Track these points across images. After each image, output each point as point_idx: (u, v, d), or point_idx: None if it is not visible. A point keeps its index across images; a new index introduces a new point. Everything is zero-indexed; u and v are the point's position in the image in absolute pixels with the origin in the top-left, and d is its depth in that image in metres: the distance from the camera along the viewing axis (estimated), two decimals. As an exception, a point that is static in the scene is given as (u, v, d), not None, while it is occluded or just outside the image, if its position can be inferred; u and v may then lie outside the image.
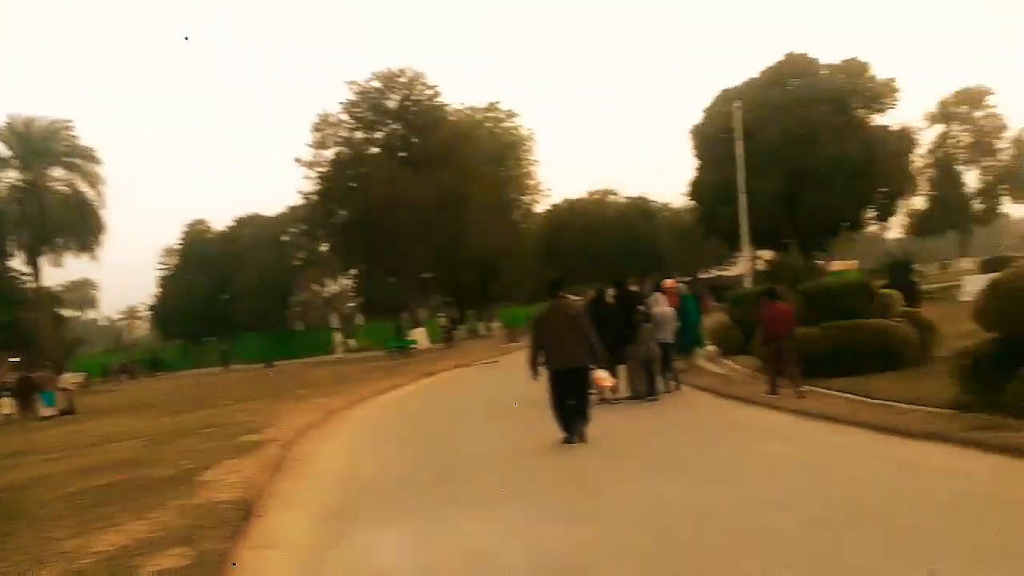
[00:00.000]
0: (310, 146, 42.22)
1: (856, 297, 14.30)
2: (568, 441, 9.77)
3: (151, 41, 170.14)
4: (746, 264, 29.15)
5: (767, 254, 43.54)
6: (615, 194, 61.09)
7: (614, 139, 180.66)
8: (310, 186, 42.59)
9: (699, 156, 43.24)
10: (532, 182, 54.92)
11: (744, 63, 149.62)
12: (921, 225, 59.38)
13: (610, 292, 14.27)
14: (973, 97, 58.69)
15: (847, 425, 9.47)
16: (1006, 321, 9.07)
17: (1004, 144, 56.90)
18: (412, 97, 41.63)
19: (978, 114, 58.46)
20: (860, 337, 13.22)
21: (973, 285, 32.75)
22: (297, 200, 47.03)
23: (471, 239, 39.99)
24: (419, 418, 15.33)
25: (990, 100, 57.34)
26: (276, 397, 20.74)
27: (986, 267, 39.48)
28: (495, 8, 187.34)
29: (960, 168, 58.11)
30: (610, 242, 53.65)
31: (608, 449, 9.64)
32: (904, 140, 40.25)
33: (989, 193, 57.76)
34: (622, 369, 13.37)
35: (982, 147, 57.23)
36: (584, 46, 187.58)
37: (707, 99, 43.87)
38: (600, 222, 55.49)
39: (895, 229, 66.43)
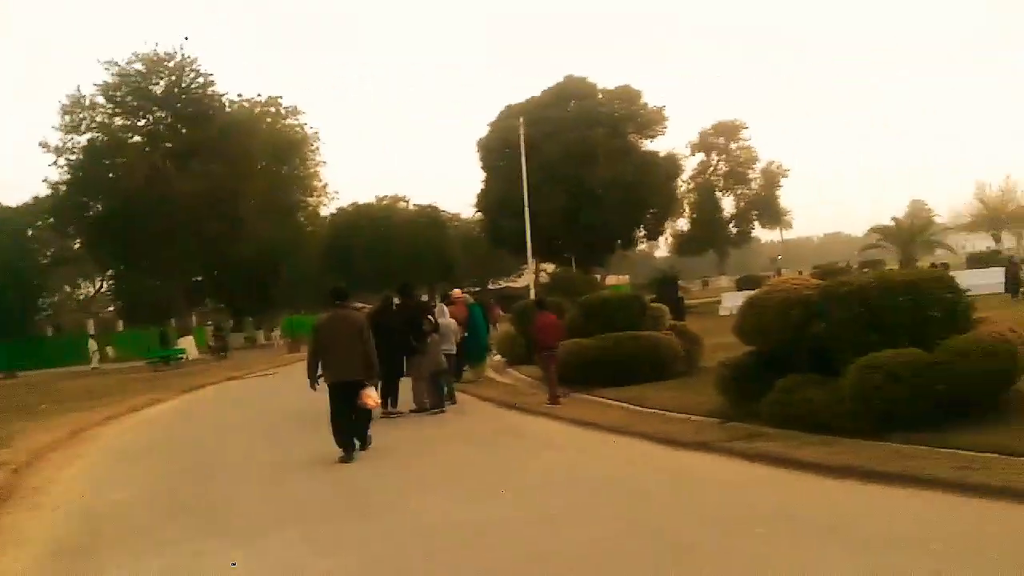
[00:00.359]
0: (59, 129, 37.55)
1: (629, 310, 14.93)
2: (346, 458, 9.18)
3: None
4: (530, 276, 29.96)
5: (550, 267, 45.33)
6: (405, 201, 60.71)
7: (409, 148, 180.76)
8: (59, 175, 37.85)
9: (485, 169, 44.05)
10: (318, 183, 53.01)
11: (528, 81, 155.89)
12: (684, 245, 64.81)
13: (396, 301, 13.76)
14: (729, 130, 65.14)
15: (623, 435, 9.68)
16: (761, 335, 9.72)
17: (755, 174, 63.74)
18: (182, 84, 38.34)
19: (733, 146, 64.98)
20: (633, 348, 13.77)
21: (731, 301, 36.16)
22: (44, 190, 41.65)
23: (247, 239, 37.50)
24: (180, 437, 13.81)
25: (744, 134, 63.98)
26: (15, 413, 17.91)
27: (740, 285, 43.95)
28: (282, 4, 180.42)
29: (718, 194, 64.25)
30: (399, 250, 53.00)
31: (389, 465, 9.14)
32: (672, 166, 43.79)
33: (743, 218, 64.40)
34: (406, 381, 12.89)
35: (737, 176, 63.70)
36: (381, 55, 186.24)
37: (492, 114, 44.97)
38: (389, 229, 54.69)
39: (662, 247, 72.19)
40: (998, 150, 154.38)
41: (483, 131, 44.67)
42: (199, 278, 40.23)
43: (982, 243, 60.33)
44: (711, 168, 65.59)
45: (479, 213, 47.09)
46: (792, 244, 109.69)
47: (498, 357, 19.52)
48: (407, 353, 12.47)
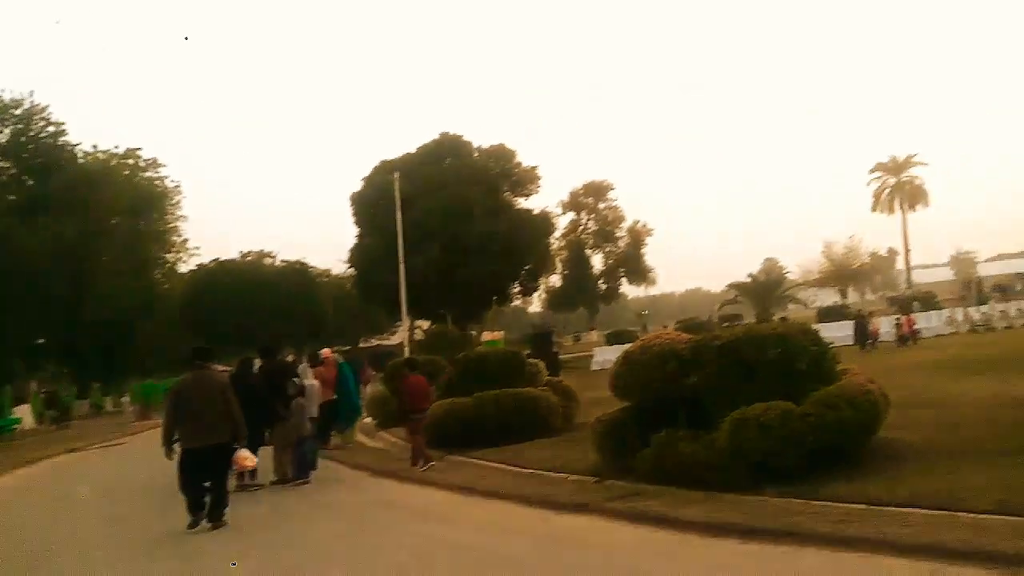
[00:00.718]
0: None
1: (507, 367, 14.64)
2: (194, 523, 8.56)
3: None
4: (404, 333, 29.29)
5: (424, 323, 44.75)
6: (271, 257, 58.50)
7: (277, 204, 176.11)
8: None
9: (359, 223, 43.26)
10: (177, 239, 50.31)
11: (401, 138, 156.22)
12: (557, 301, 65.94)
13: (257, 362, 12.86)
14: (598, 190, 67.41)
15: (501, 500, 9.28)
16: (636, 390, 9.63)
17: (622, 233, 66.03)
18: (29, 133, 35.60)
19: (602, 206, 67.22)
20: (511, 406, 13.44)
21: (603, 355, 36.80)
22: None
23: (97, 299, 34.75)
24: (7, 519, 12.17)
25: (611, 194, 66.36)
26: None
27: (610, 339, 44.91)
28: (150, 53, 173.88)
29: (588, 252, 66.01)
30: (265, 308, 50.57)
31: (246, 544, 8.24)
32: (545, 223, 44.65)
33: (611, 275, 66.31)
34: (266, 450, 11.91)
35: (605, 235, 65.78)
36: (252, 110, 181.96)
37: (366, 169, 44.41)
38: (254, 286, 52.12)
39: (535, 303, 73.09)
40: (843, 210, 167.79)
41: (357, 185, 44.07)
42: (41, 340, 36.72)
43: (830, 298, 64.85)
44: (581, 227, 67.42)
45: (351, 268, 45.98)
46: (656, 299, 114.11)
47: (369, 419, 18.67)
48: (269, 420, 11.57)
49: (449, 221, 36.19)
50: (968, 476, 7.12)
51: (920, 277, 77.05)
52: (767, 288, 51.34)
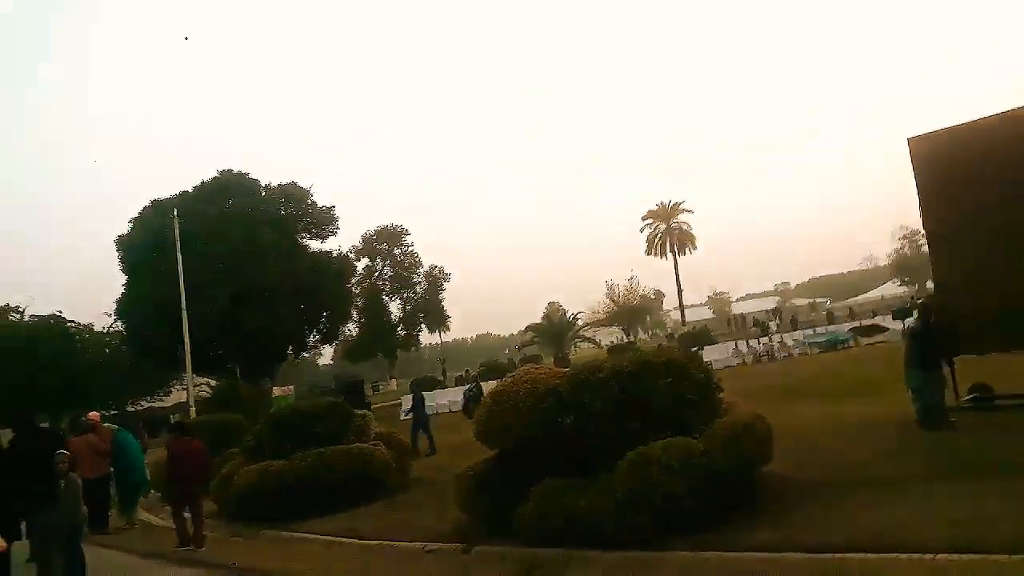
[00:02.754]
0: None
1: (331, 420, 12.72)
2: None
3: None
4: (191, 391, 25.70)
5: (207, 380, 40.26)
6: (17, 312, 50.34)
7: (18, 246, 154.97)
8: None
9: (127, 271, 38.21)
10: None
11: (174, 176, 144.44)
12: (353, 350, 63.02)
13: (7, 436, 9.94)
14: (392, 236, 65.92)
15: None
16: (509, 434, 8.33)
17: (419, 279, 64.82)
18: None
19: (397, 251, 65.72)
20: (341, 465, 11.57)
21: (410, 404, 35.07)
22: None
23: None
24: None
25: (407, 239, 65.12)
26: None
27: (413, 387, 43.23)
28: None
29: (385, 298, 64.03)
30: (10, 371, 43.03)
31: None
32: (346, 266, 42.30)
33: (410, 321, 64.67)
34: (21, 546, 9.07)
35: (402, 280, 64.24)
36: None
37: (135, 209, 39.30)
38: (-3, 347, 44.27)
39: (325, 355, 69.43)
40: (623, 254, 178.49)
41: (122, 228, 38.94)
42: None
43: (613, 336, 67.97)
44: (376, 273, 65.44)
45: (119, 322, 40.35)
46: (450, 346, 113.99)
47: (153, 492, 15.67)
48: (27, 508, 8.80)
49: (237, 265, 32.87)
50: (885, 510, 6.55)
51: (688, 316, 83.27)
52: (562, 329, 52.37)
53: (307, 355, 54.86)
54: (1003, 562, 5.11)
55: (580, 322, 55.44)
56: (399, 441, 13.60)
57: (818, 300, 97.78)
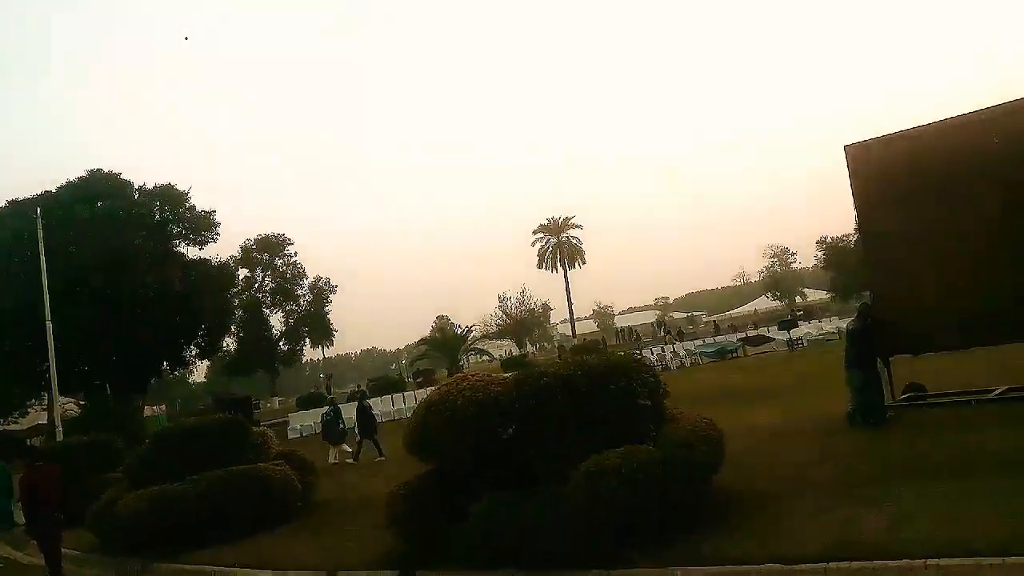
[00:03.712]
0: None
1: (227, 438, 11.51)
2: None
3: None
4: (57, 410, 23.18)
5: (70, 399, 36.80)
6: None
7: None
8: None
9: (-26, 275, 34.37)
10: None
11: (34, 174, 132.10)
12: (231, 365, 59.67)
13: None
14: (273, 245, 63.05)
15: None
16: (446, 448, 7.62)
17: (303, 290, 62.21)
18: None
19: (279, 262, 62.93)
20: (239, 488, 10.42)
21: (299, 421, 33.30)
22: None
23: None
24: None
25: (289, 249, 62.45)
26: None
27: (302, 404, 41.33)
28: None
29: (266, 311, 61.09)
30: None
31: None
32: (226, 276, 39.74)
33: (292, 335, 61.94)
34: None
35: (284, 292, 61.50)
36: None
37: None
38: None
39: (197, 372, 65.41)
40: (513, 267, 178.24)
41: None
42: None
43: (508, 349, 67.79)
44: (256, 284, 62.41)
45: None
46: (335, 361, 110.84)
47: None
48: None
49: (106, 272, 30.07)
50: (848, 515, 6.32)
51: (569, 329, 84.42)
52: (456, 342, 51.68)
53: (180, 371, 51.43)
54: (990, 565, 4.91)
55: (474, 334, 54.96)
56: (302, 459, 12.50)
57: (695, 313, 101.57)
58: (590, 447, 6.85)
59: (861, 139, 11.18)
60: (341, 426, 18.31)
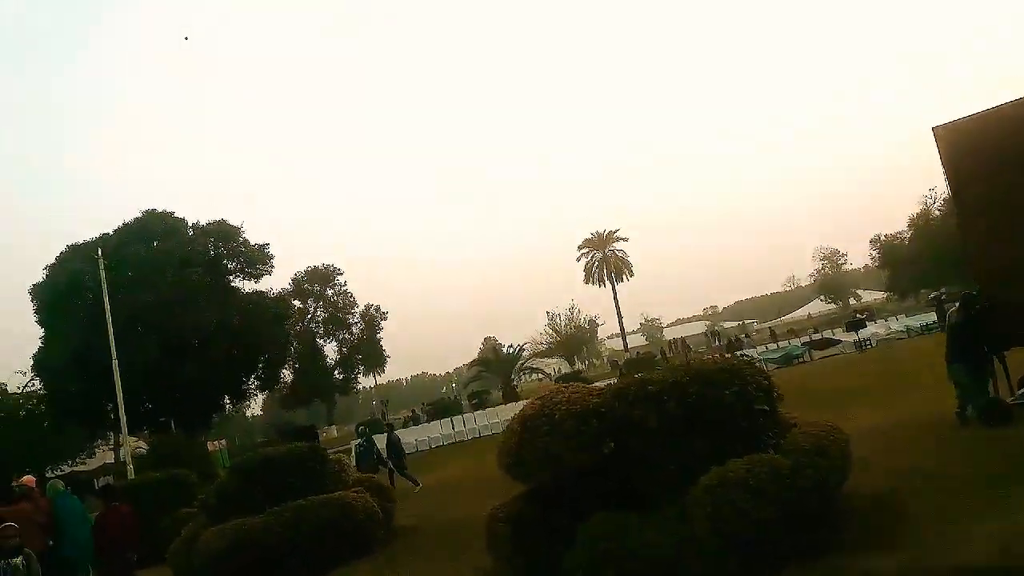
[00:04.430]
0: None
1: (304, 467, 11.21)
2: None
3: None
4: (128, 448, 23.37)
5: (132, 439, 37.24)
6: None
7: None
8: None
9: (43, 323, 35.25)
10: None
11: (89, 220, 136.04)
12: (288, 397, 60.14)
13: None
14: (323, 276, 63.64)
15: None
16: (545, 465, 7.12)
17: (355, 319, 62.58)
18: None
19: (330, 292, 63.46)
20: (323, 519, 10.09)
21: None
22: None
23: None
24: None
25: (339, 279, 62.99)
26: None
27: (360, 432, 41.27)
28: None
29: (320, 341, 61.55)
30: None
31: None
32: (282, 306, 40.09)
33: (347, 363, 62.26)
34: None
35: (336, 321, 61.92)
36: None
37: (49, 256, 36.25)
38: None
39: (254, 406, 65.94)
40: (560, 284, 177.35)
41: (36, 276, 35.98)
42: None
43: (558, 367, 67.14)
44: (309, 315, 62.98)
45: (35, 379, 36.99)
46: (386, 388, 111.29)
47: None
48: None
49: (167, 311, 30.52)
50: (995, 521, 5.68)
51: (619, 343, 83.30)
52: (510, 362, 51.15)
53: (239, 405, 51.94)
54: None
55: (526, 353, 54.39)
56: (381, 486, 12.17)
57: (746, 321, 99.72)
58: (704, 460, 6.33)
59: (947, 120, 10.49)
60: (376, 455, 17.89)
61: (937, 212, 58.47)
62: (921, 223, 58.90)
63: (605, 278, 75.72)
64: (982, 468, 7.37)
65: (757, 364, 7.79)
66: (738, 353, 37.18)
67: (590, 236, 77.15)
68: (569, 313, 69.45)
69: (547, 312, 70.73)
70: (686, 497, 6.15)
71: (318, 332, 61.19)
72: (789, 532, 5.84)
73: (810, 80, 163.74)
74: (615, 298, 75.66)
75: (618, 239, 76.81)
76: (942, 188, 60.25)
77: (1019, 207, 9.67)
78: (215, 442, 48.61)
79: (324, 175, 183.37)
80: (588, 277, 76.35)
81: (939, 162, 10.55)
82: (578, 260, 77.13)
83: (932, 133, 10.48)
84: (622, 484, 6.97)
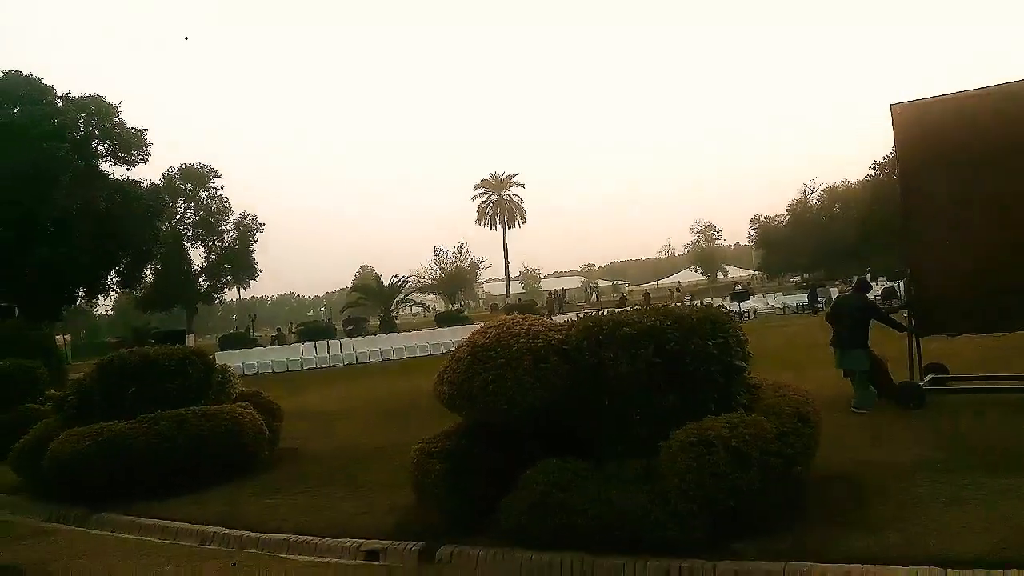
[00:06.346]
0: None
1: (185, 373, 9.89)
2: None
3: None
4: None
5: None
6: None
7: None
8: None
9: None
10: None
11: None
12: (147, 299, 56.32)
13: None
14: (199, 176, 59.56)
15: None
16: (499, 400, 6.26)
17: (228, 227, 59.06)
18: None
19: (204, 194, 59.49)
20: (204, 431, 8.89)
21: (224, 361, 31.23)
22: None
23: None
24: None
25: (216, 182, 59.05)
26: None
27: (223, 344, 38.96)
28: None
29: (188, 245, 57.79)
30: None
31: None
32: (155, 200, 36.75)
33: (213, 272, 58.88)
34: None
35: (208, 226, 58.25)
36: None
37: None
38: None
39: (102, 304, 61.42)
40: (450, 222, 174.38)
41: None
42: None
43: (437, 305, 66.41)
44: (178, 216, 58.82)
45: None
46: (252, 303, 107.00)
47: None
48: None
49: (23, 184, 26.99)
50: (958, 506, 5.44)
51: (497, 288, 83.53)
52: (391, 291, 49.81)
53: (95, 299, 47.93)
54: None
55: (409, 285, 53.17)
56: (267, 402, 10.97)
57: (619, 282, 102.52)
58: (679, 414, 5.72)
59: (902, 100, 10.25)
60: None
61: (816, 202, 61.48)
62: (798, 210, 61.77)
63: (498, 221, 75.14)
64: (915, 451, 7.20)
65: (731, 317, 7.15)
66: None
67: (488, 177, 76.14)
68: (457, 251, 68.51)
69: (434, 247, 69.50)
70: (655, 454, 5.52)
71: (186, 235, 57.38)
72: (771, 501, 5.35)
73: (716, 65, 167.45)
74: (504, 243, 75.38)
75: (515, 184, 76.24)
76: (821, 179, 63.27)
77: (964, 200, 9.59)
78: (60, 336, 44.81)
79: (216, 65, 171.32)
80: (481, 218, 75.57)
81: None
82: (472, 199, 76.06)
83: (890, 111, 10.21)
84: (577, 431, 6.28)
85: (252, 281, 63.45)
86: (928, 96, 10.10)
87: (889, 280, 35.58)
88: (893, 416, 8.92)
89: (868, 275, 40.54)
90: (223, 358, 32.12)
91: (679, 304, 6.75)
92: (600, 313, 6.90)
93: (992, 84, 9.69)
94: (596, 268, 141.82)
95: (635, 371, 5.92)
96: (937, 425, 8.22)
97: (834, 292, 34.19)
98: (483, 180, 75.27)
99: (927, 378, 10.08)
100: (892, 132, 10.10)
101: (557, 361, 6.15)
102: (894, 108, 10.12)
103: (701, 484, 5.21)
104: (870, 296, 11.81)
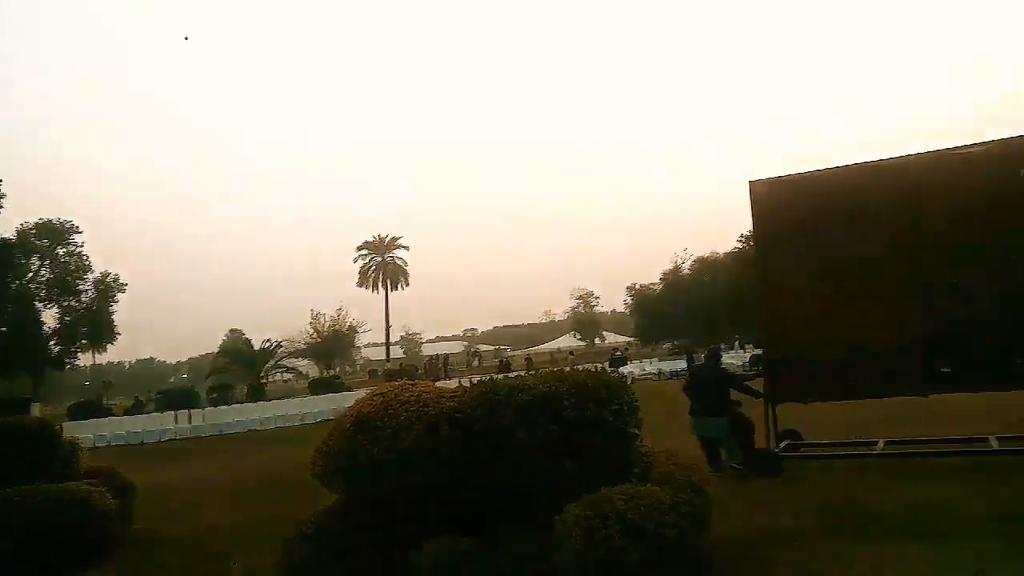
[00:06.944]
0: None
1: (26, 448, 8.82)
2: None
3: None
4: None
5: None
6: None
7: None
8: None
9: None
10: None
11: None
12: (-10, 363, 51.05)
13: None
14: (56, 232, 55.48)
15: None
16: (377, 474, 5.85)
17: (87, 286, 54.89)
18: None
19: (61, 251, 55.34)
20: (49, 512, 7.89)
21: (75, 432, 28.66)
22: None
23: None
24: None
25: (76, 239, 55.08)
26: None
27: (72, 413, 36.09)
28: None
29: (39, 305, 53.16)
30: None
31: None
32: (9, 254, 33.72)
33: (67, 335, 54.33)
34: None
35: (64, 285, 53.96)
36: None
37: None
38: None
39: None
40: (330, 286, 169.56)
41: None
42: None
43: (311, 371, 64.01)
44: (31, 274, 54.27)
45: None
46: (107, 369, 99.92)
47: None
48: None
49: None
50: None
51: (376, 353, 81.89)
52: (263, 357, 47.69)
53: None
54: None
55: (282, 350, 51.04)
56: (119, 478, 9.91)
57: (501, 347, 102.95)
58: (576, 484, 5.51)
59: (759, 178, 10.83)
60: None
61: (688, 271, 64.36)
62: (671, 279, 64.40)
63: (380, 284, 74.07)
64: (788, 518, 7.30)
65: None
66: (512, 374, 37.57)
67: (371, 239, 75.25)
68: (335, 315, 66.69)
69: (311, 311, 67.38)
70: (552, 525, 5.27)
71: (39, 294, 52.96)
72: (667, 575, 5.18)
73: (592, 136, 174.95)
74: (386, 306, 74.24)
75: (399, 246, 75.71)
76: (693, 250, 66.55)
77: (809, 271, 10.13)
78: None
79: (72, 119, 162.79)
80: (363, 280, 74.25)
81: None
82: (355, 261, 74.81)
83: (748, 186, 10.74)
84: (468, 505, 5.94)
85: (109, 345, 59.03)
86: (783, 174, 10.72)
87: (757, 347, 37.28)
88: (767, 480, 9.07)
89: (737, 342, 42.43)
90: (72, 429, 29.49)
91: (571, 368, 6.56)
92: (491, 378, 6.67)
93: (839, 165, 10.45)
94: (478, 332, 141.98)
95: (532, 439, 5.69)
96: (807, 491, 8.40)
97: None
98: (366, 242, 74.42)
99: (782, 444, 10.39)
100: (750, 206, 10.62)
101: (448, 430, 5.84)
102: (752, 184, 10.69)
103: (596, 559, 4.98)
104: (723, 364, 12.16)
